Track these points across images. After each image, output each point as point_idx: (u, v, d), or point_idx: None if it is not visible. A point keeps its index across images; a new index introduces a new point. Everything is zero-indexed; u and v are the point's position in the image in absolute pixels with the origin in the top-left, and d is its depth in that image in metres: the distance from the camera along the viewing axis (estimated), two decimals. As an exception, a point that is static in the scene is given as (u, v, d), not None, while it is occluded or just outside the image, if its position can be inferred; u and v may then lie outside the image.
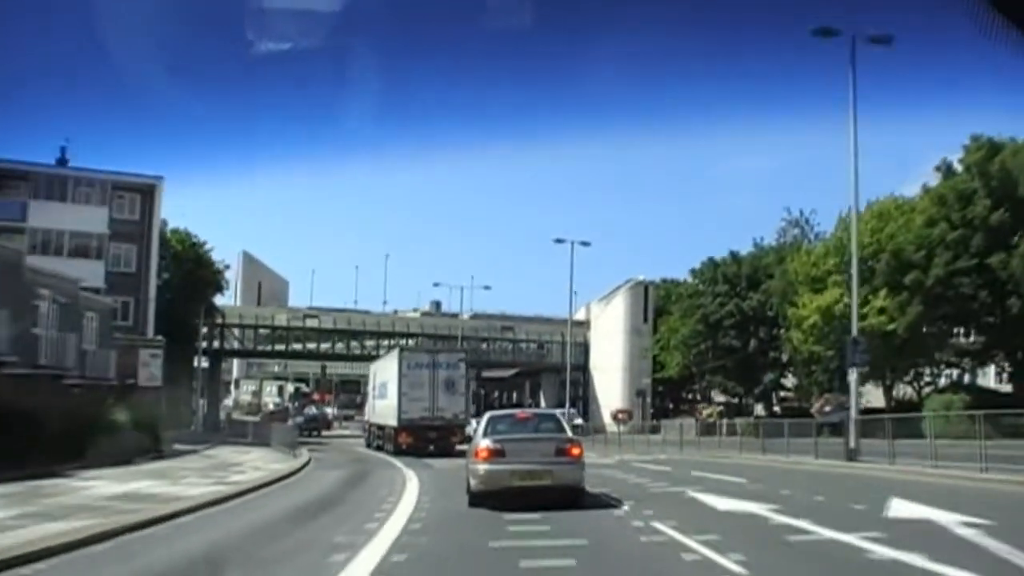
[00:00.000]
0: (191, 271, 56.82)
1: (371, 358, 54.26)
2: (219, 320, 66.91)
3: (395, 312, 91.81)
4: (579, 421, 62.41)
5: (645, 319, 74.45)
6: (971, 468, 19.66)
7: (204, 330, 62.12)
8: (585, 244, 60.05)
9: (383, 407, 39.99)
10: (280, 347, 77.12)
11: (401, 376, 36.20)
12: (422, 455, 33.27)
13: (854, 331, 26.75)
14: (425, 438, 35.16)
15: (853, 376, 26.63)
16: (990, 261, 42.25)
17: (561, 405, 61.00)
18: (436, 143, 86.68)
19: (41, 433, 23.27)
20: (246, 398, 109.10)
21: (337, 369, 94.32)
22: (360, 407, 72.81)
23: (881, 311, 43.76)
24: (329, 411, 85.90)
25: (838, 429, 28.86)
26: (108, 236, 47.87)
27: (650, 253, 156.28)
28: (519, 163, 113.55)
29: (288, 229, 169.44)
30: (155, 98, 44.76)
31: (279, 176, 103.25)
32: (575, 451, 14.91)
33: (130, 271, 49.38)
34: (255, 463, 29.03)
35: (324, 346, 77.72)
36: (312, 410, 78.06)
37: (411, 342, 69.67)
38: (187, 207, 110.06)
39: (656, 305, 74.97)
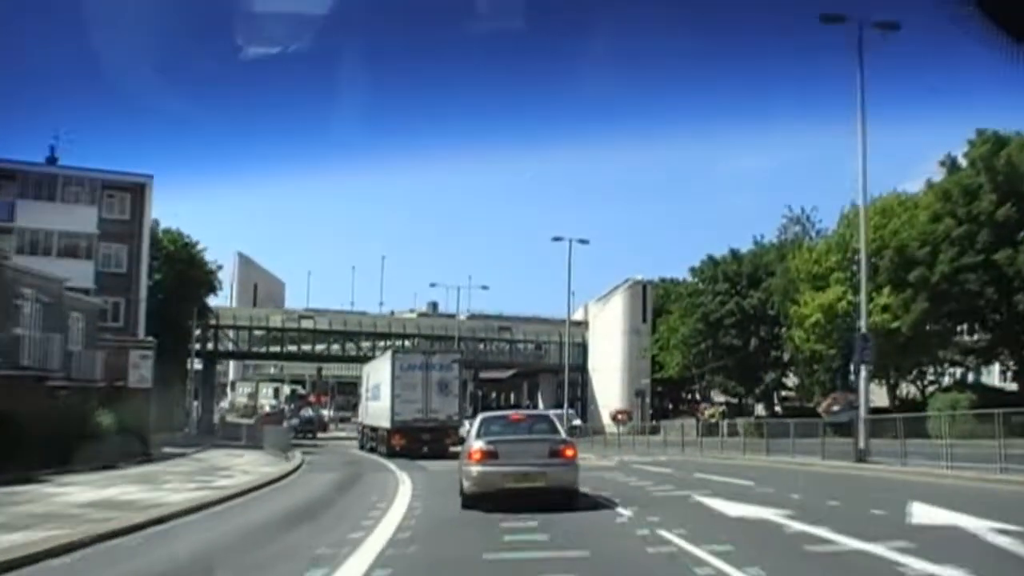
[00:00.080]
0: (183, 271, 55.93)
1: (367, 359, 53.60)
2: (212, 321, 66.03)
3: (392, 313, 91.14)
4: (577, 422, 61.72)
5: (644, 319, 73.77)
6: (987, 469, 18.86)
7: (197, 332, 61.39)
8: (583, 242, 59.16)
9: (376, 409, 39.60)
10: (275, 349, 76.33)
11: (394, 378, 35.77)
12: (415, 457, 32.78)
13: (863, 327, 25.87)
14: (418, 440, 34.76)
15: (863, 374, 25.78)
16: (996, 257, 41.39)
17: (559, 406, 60.28)
18: (432, 144, 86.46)
19: (22, 437, 22.46)
20: (242, 400, 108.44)
21: (334, 371, 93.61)
22: (356, 409, 72.04)
23: (884, 308, 42.91)
24: (325, 413, 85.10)
25: (845, 429, 27.97)
26: (98, 236, 46.92)
27: (648, 254, 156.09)
28: (516, 164, 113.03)
29: (284, 231, 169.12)
30: (148, 101, 44.38)
31: (274, 178, 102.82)
32: (569, 452, 14.73)
33: (121, 271, 48.39)
34: (244, 467, 28.23)
35: (320, 348, 77.03)
36: (308, 412, 77.35)
37: (407, 343, 69.04)
38: (183, 210, 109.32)
39: (655, 305, 74.21)
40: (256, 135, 62.42)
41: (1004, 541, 9.75)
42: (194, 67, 42.57)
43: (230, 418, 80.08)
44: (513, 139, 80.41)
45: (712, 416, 56.55)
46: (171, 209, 74.88)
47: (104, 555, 10.59)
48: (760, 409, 62.15)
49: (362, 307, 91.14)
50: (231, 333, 70.81)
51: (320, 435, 65.91)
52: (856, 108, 25.34)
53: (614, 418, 64.38)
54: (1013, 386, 48.85)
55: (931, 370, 51.74)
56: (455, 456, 22.76)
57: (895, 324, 42.91)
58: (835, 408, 42.03)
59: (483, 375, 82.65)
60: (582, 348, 75.64)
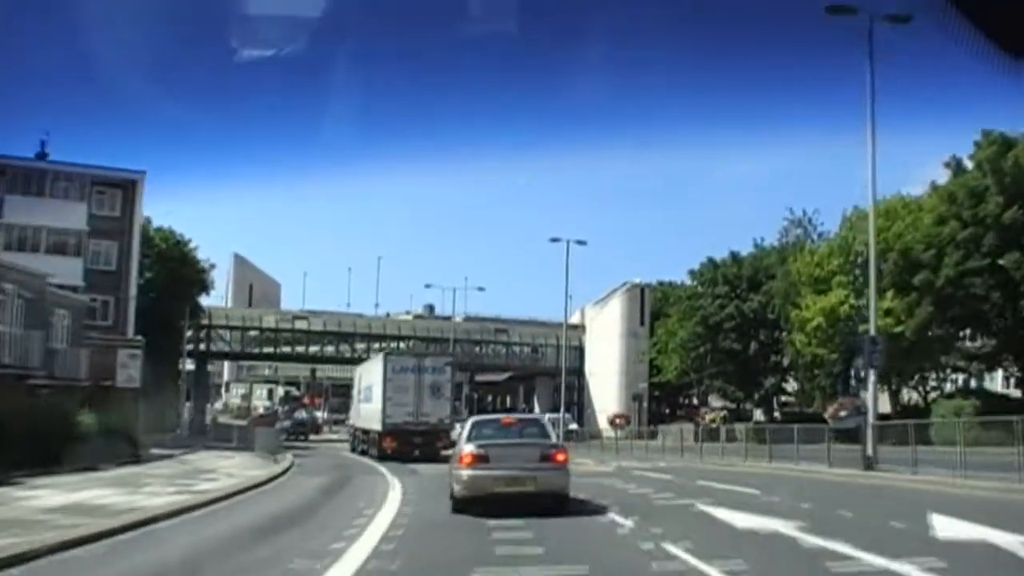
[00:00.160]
0: (175, 270, 54.98)
1: (361, 361, 52.83)
2: (204, 321, 65.11)
3: (387, 315, 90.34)
4: (574, 426, 60.93)
5: (642, 322, 73.06)
6: (1004, 479, 17.96)
7: (189, 332, 60.54)
8: (581, 243, 58.25)
9: (368, 411, 39.13)
10: (269, 350, 75.44)
11: (386, 380, 35.34)
12: (407, 460, 32.27)
13: (872, 330, 25.02)
14: (410, 443, 34.34)
15: (871, 378, 24.94)
16: (1002, 261, 40.58)
17: (556, 409, 59.51)
18: (428, 147, 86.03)
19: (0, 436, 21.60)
20: (235, 402, 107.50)
21: (328, 372, 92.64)
22: (349, 411, 71.23)
23: (888, 312, 42.05)
24: (319, 415, 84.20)
25: (851, 436, 27.14)
26: (87, 233, 46.03)
27: (646, 258, 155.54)
28: (513, 167, 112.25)
29: (280, 232, 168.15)
30: (143, 102, 44.10)
31: (271, 180, 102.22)
32: (560, 457, 14.70)
33: (110, 269, 47.41)
34: (231, 469, 27.39)
35: (314, 349, 76.16)
36: (302, 414, 76.53)
37: (402, 345, 68.21)
38: (180, 212, 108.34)
39: (653, 308, 73.44)
40: (252, 137, 62.15)
41: (1042, 559, 8.93)
42: (189, 69, 42.47)
43: (224, 419, 79.09)
44: (509, 143, 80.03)
45: (713, 421, 55.70)
46: (168, 210, 74.19)
47: (58, 567, 9.73)
48: (759, 414, 61.30)
49: (358, 309, 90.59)
50: (225, 334, 69.93)
51: (313, 437, 65.10)
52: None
53: (612, 422, 63.55)
54: (1017, 392, 48.08)
55: (933, 376, 50.92)
56: (446, 459, 22.03)
57: (898, 328, 42.09)
58: (842, 414, 41.16)
59: (479, 378, 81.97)
60: (579, 351, 74.89)
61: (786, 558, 9.73)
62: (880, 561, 8.97)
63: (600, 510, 14.62)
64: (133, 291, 47.93)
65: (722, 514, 13.82)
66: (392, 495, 18.73)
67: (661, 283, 76.04)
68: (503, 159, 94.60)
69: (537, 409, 72.48)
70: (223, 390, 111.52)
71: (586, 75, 45.24)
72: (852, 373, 51.40)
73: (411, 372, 35.52)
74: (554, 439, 15.99)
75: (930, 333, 43.99)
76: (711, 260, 61.93)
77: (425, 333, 74.00)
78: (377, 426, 35.77)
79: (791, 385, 61.37)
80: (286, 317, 76.53)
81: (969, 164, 43.89)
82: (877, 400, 25.59)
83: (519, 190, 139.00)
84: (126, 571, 9.68)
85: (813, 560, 9.37)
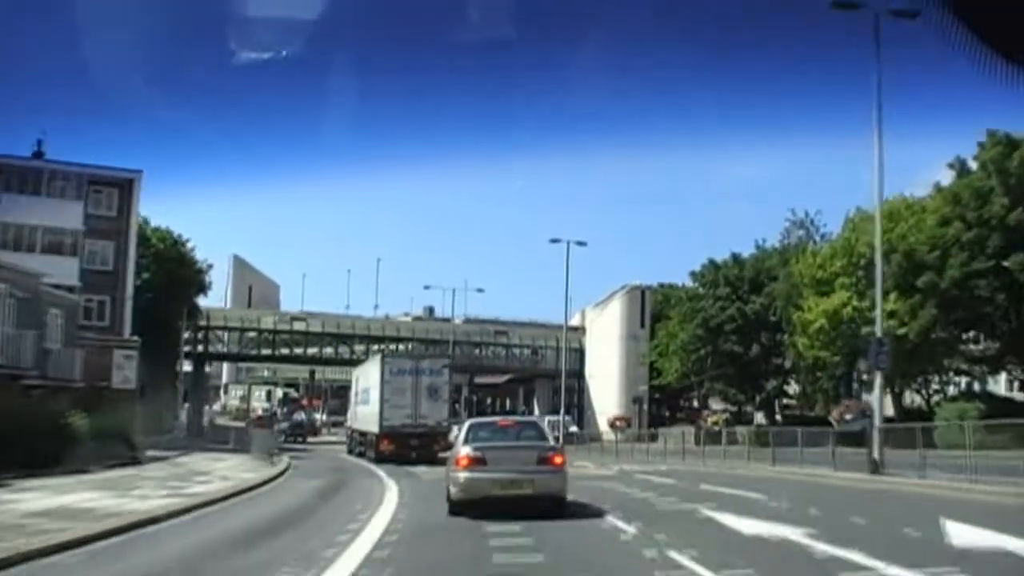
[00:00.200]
0: (173, 270, 54.48)
1: (360, 363, 52.41)
2: (202, 322, 64.64)
3: (387, 316, 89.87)
4: (574, 429, 60.48)
5: (642, 324, 72.59)
6: (1014, 483, 17.48)
7: (187, 334, 60.11)
8: (581, 244, 57.72)
9: (365, 413, 38.83)
10: (267, 351, 74.91)
11: (383, 382, 35.06)
12: (404, 463, 31.99)
13: (878, 331, 24.57)
14: (407, 445, 34.04)
15: (877, 380, 24.49)
16: (1007, 263, 40.15)
17: (555, 412, 59.12)
18: (427, 149, 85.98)
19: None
20: (234, 403, 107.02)
21: (328, 374, 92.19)
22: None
23: (891, 314, 41.56)
24: (318, 417, 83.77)
25: (855, 439, 26.68)
26: (84, 232, 45.57)
27: (646, 261, 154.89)
28: (515, 168, 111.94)
29: (279, 234, 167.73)
30: (142, 104, 43.82)
31: (270, 181, 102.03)
32: (557, 460, 14.59)
33: (107, 269, 46.95)
34: (225, 472, 26.89)
35: (312, 351, 75.69)
36: (301, 416, 76.13)
37: (401, 347, 67.77)
38: (179, 214, 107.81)
39: (653, 310, 72.94)
40: (252, 139, 62.22)
41: (1068, 570, 8.48)
42: (189, 71, 42.49)
43: (223, 421, 78.65)
44: (509, 145, 79.69)
45: (716, 423, 55.18)
46: (167, 212, 73.68)
47: (30, 576, 9.28)
48: (760, 418, 60.82)
49: (357, 311, 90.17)
50: (224, 335, 69.45)
51: (312, 439, 64.72)
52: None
53: (612, 425, 63.13)
54: (1022, 395, 47.68)
55: (936, 379, 50.48)
56: (444, 462, 21.63)
57: (902, 331, 41.63)
58: (848, 417, 40.69)
59: (478, 380, 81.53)
60: (579, 354, 74.43)
61: (798, 567, 9.29)
62: (896, 571, 8.53)
63: (601, 515, 14.17)
64: (130, 291, 47.47)
65: (728, 520, 13.36)
66: (388, 498, 18.38)
67: (662, 285, 75.54)
68: (503, 161, 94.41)
69: (537, 411, 72.09)
70: (222, 392, 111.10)
71: (586, 77, 45.02)
72: (854, 376, 51.04)
73: (408, 374, 35.23)
74: (551, 442, 15.86)
75: (933, 336, 43.55)
76: (712, 261, 61.43)
77: (424, 335, 73.48)
78: (374, 428, 35.45)
79: (792, 388, 60.94)
80: (284, 318, 76.05)
81: (974, 165, 43.47)
82: (890, 402, 25.15)
83: (519, 192, 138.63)
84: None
85: (826, 569, 8.94)
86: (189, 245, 57.42)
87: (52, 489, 18.13)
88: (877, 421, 23.62)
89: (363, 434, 39.17)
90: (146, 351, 44.48)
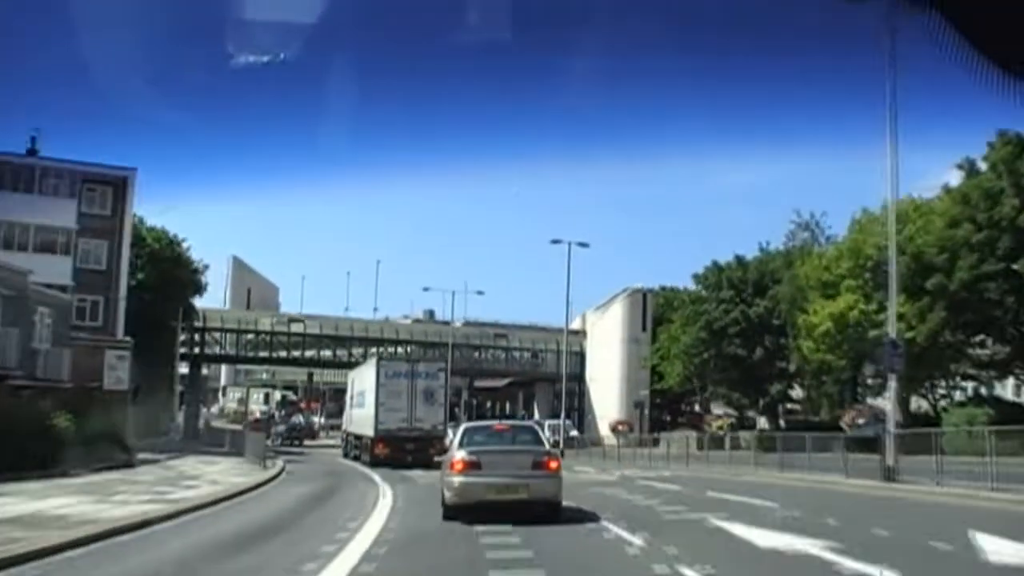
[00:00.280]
0: (168, 271, 53.62)
1: (357, 365, 51.67)
2: (197, 323, 63.80)
3: (386, 319, 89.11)
4: (574, 433, 59.69)
5: (644, 328, 71.84)
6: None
7: (184, 336, 59.36)
8: (583, 245, 56.56)
9: (360, 416, 38.36)
10: (265, 354, 74.06)
11: (379, 385, 34.69)
12: (399, 467, 31.60)
13: (892, 332, 23.75)
14: (402, 449, 33.68)
15: (891, 384, 23.69)
16: (1017, 266, 39.32)
17: (556, 416, 58.29)
18: (426, 153, 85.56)
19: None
20: (232, 406, 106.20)
21: (326, 377, 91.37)
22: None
23: (899, 317, 40.72)
24: (317, 420, 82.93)
25: (865, 445, 25.86)
26: (77, 231, 44.79)
27: (648, 265, 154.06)
28: (515, 172, 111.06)
29: (279, 236, 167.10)
30: (141, 106, 43.56)
31: (269, 184, 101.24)
32: (553, 464, 14.48)
33: (100, 268, 46.20)
34: (215, 476, 26.06)
35: (311, 353, 74.87)
36: (299, 419, 75.33)
37: (400, 349, 66.98)
38: (177, 215, 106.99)
39: (655, 313, 72.14)
40: (251, 141, 61.66)
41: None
42: (187, 74, 42.24)
43: (220, 424, 77.83)
44: (509, 148, 79.03)
45: (721, 428, 54.32)
46: (163, 210, 73.00)
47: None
48: (763, 423, 59.94)
49: (357, 313, 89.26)
50: (222, 336, 68.64)
51: (310, 443, 63.89)
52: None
53: (614, 429, 62.32)
54: (1030, 400, 46.89)
55: (943, 383, 49.62)
56: (440, 466, 20.94)
57: (909, 334, 40.74)
58: (860, 421, 39.81)
59: (478, 383, 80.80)
60: (580, 357, 73.63)
61: (825, 587, 8.45)
62: (937, 592, 7.69)
63: (606, 525, 13.34)
64: (123, 291, 46.68)
65: (740, 530, 12.51)
66: (382, 504, 17.69)
67: (663, 288, 74.71)
68: (503, 164, 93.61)
69: (537, 415, 71.35)
70: (220, 394, 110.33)
71: (585, 80, 44.44)
72: (858, 380, 50.18)
73: (404, 377, 34.86)
74: (547, 446, 15.73)
75: (942, 339, 42.70)
76: (716, 264, 60.57)
77: (423, 337, 72.63)
78: (370, 432, 35.01)
79: (796, 392, 60.08)
80: (282, 320, 75.28)
81: (983, 166, 42.64)
82: (897, 407, 24.33)
83: (517, 196, 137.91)
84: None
85: (857, 590, 8.09)
86: (185, 245, 56.53)
87: (28, 494, 17.29)
88: (891, 426, 22.76)
89: (358, 437, 38.67)
90: (141, 352, 43.70)
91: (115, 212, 47.05)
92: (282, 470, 29.74)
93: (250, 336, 71.17)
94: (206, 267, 60.08)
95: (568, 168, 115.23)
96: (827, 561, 9.57)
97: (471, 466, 14.06)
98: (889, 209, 25.65)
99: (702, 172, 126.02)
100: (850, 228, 49.64)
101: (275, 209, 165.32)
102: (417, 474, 28.23)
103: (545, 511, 13.75)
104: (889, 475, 21.44)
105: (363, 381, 38.49)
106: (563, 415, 57.98)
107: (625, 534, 12.15)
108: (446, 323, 75.65)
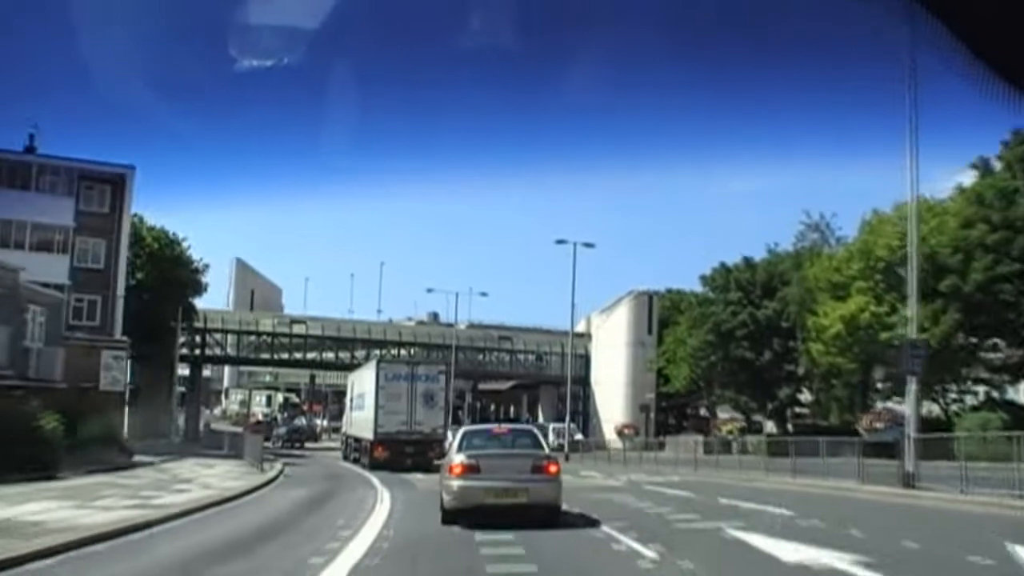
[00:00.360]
0: (168, 271, 52.83)
1: (359, 368, 50.95)
2: (198, 324, 63.05)
3: (390, 321, 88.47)
4: (579, 436, 58.86)
5: (649, 330, 71.05)
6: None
7: (185, 337, 58.65)
8: (589, 245, 55.70)
9: (360, 419, 37.75)
10: (267, 355, 73.33)
11: (378, 388, 34.06)
12: (398, 470, 31.05)
13: (911, 333, 22.94)
14: (402, 452, 33.12)
15: (912, 387, 22.86)
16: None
17: (560, 419, 57.49)
18: (431, 156, 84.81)
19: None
20: (234, 408, 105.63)
21: (329, 379, 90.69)
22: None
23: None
24: (319, 422, 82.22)
25: (883, 449, 25.00)
26: (74, 229, 44.08)
27: (654, 268, 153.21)
28: (520, 175, 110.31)
29: (282, 238, 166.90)
30: (143, 109, 43.12)
31: (272, 186, 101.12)
32: (552, 468, 14.39)
33: (98, 267, 45.45)
34: (209, 479, 25.29)
35: (313, 355, 74.16)
36: (301, 421, 74.69)
37: (403, 351, 66.24)
38: (180, 217, 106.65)
39: (661, 316, 71.37)
40: (254, 144, 61.35)
41: None
42: (190, 77, 42.03)
43: (222, 426, 77.09)
44: (512, 152, 78.29)
45: (730, 432, 53.40)
46: (169, 216, 72.43)
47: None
48: (771, 427, 59.01)
49: (361, 315, 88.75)
50: (225, 338, 67.96)
51: (312, 445, 63.12)
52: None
53: (620, 433, 61.44)
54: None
55: (955, 387, 48.66)
56: (439, 469, 20.29)
57: (922, 337, 39.86)
58: (878, 425, 38.94)
59: (482, 386, 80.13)
60: (584, 360, 72.78)
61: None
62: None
63: (615, 535, 12.49)
64: (121, 290, 45.92)
65: (759, 542, 11.65)
66: (379, 509, 17.05)
67: (669, 291, 73.88)
68: (508, 167, 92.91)
69: (541, 418, 70.63)
70: (223, 396, 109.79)
71: (590, 84, 43.67)
72: (868, 384, 49.24)
73: (404, 380, 34.27)
74: (547, 450, 15.58)
75: (955, 342, 41.79)
76: (723, 265, 59.74)
77: (427, 339, 71.91)
78: (369, 435, 34.41)
79: (805, 396, 59.14)
80: (284, 321, 74.56)
81: (997, 165, 41.79)
82: (918, 410, 23.47)
83: (524, 198, 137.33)
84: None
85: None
86: (185, 244, 55.74)
87: (6, 499, 16.47)
88: (911, 431, 21.87)
89: (358, 440, 38.06)
90: (140, 354, 42.94)
91: (113, 210, 46.28)
92: (280, 473, 29.12)
93: (252, 338, 70.49)
94: (206, 266, 59.24)
95: (573, 172, 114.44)
96: (857, 577, 8.73)
97: (470, 470, 13.93)
98: (910, 210, 24.81)
99: (708, 176, 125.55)
100: (860, 229, 48.78)
101: (279, 212, 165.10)
102: (416, 477, 27.71)
103: (544, 515, 13.65)
104: (908, 481, 20.58)
105: (363, 383, 37.90)
106: (568, 418, 57.15)
107: (637, 546, 11.31)
108: (450, 325, 74.94)
